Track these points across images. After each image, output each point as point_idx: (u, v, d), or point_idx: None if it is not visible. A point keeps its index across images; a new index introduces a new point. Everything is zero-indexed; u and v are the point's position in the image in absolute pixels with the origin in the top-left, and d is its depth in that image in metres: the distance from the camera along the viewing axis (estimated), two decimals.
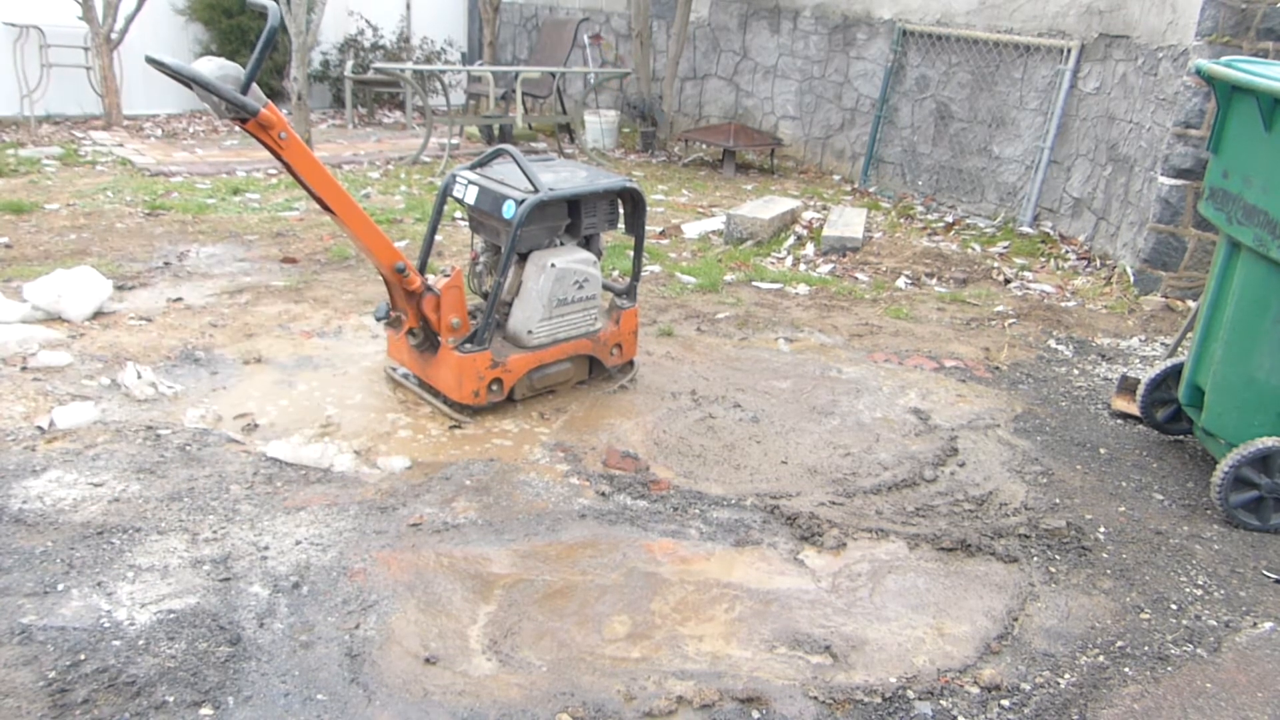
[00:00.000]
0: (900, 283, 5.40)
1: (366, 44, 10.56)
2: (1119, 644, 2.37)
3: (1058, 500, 3.06)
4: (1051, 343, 4.55)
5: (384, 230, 3.11)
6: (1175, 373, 3.43)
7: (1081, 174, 6.32)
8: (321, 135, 8.85)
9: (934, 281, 5.47)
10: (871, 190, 7.85)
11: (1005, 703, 2.13)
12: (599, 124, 9.08)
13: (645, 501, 2.88)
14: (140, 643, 2.11)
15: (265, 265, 4.93)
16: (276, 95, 9.36)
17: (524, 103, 8.43)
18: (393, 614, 2.28)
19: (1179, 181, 5.09)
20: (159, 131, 8.64)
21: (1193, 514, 3.04)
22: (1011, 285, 5.45)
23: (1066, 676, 2.23)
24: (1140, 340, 4.66)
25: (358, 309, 4.33)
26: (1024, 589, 2.57)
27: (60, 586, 2.29)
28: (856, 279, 5.44)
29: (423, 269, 3.42)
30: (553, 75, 8.50)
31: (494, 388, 3.31)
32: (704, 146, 8.89)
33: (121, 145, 7.88)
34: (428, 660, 2.13)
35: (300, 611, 2.26)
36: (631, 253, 3.73)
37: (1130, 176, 5.62)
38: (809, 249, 5.93)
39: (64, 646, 2.08)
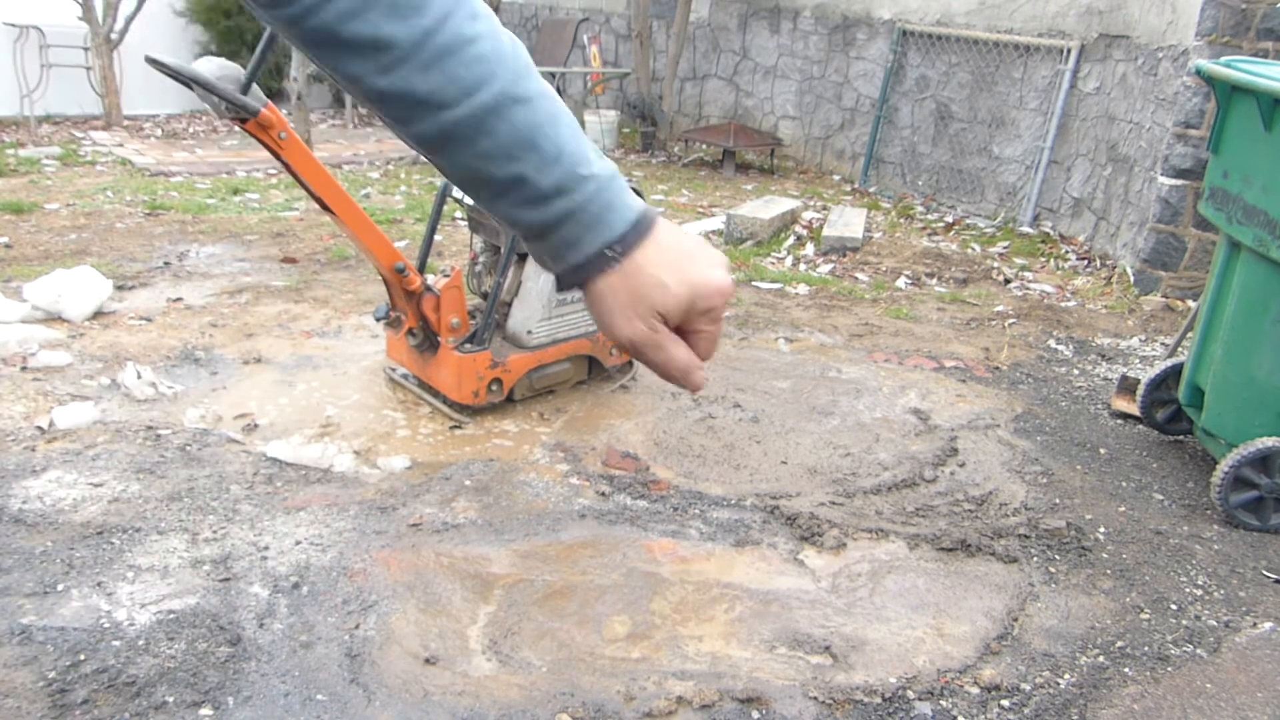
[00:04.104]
0: (900, 283, 5.40)
1: None
2: (1119, 644, 2.37)
3: (1058, 500, 3.06)
4: (1051, 343, 4.55)
5: (384, 230, 3.11)
6: (1175, 373, 3.43)
7: (1081, 174, 6.32)
8: (321, 135, 8.84)
9: (934, 281, 5.47)
10: (871, 190, 7.85)
11: (1005, 703, 2.13)
12: (599, 124, 9.08)
13: (645, 501, 2.88)
14: (140, 643, 2.11)
15: (265, 265, 4.93)
16: (276, 95, 9.36)
17: None
18: (393, 614, 2.28)
19: (1179, 181, 5.09)
20: (159, 132, 8.64)
21: (1193, 514, 3.04)
22: (1011, 285, 5.45)
23: (1066, 676, 2.23)
24: (1140, 340, 4.66)
25: (357, 309, 4.33)
26: (1024, 589, 2.57)
27: (60, 586, 2.29)
28: (856, 279, 5.44)
29: (422, 269, 3.42)
30: (552, 75, 8.50)
31: (494, 388, 3.32)
32: (704, 146, 8.89)
33: (121, 145, 7.88)
34: (428, 660, 2.13)
35: (300, 611, 2.26)
36: None
37: (1130, 176, 5.62)
38: (809, 249, 5.93)
39: (64, 647, 2.08)
